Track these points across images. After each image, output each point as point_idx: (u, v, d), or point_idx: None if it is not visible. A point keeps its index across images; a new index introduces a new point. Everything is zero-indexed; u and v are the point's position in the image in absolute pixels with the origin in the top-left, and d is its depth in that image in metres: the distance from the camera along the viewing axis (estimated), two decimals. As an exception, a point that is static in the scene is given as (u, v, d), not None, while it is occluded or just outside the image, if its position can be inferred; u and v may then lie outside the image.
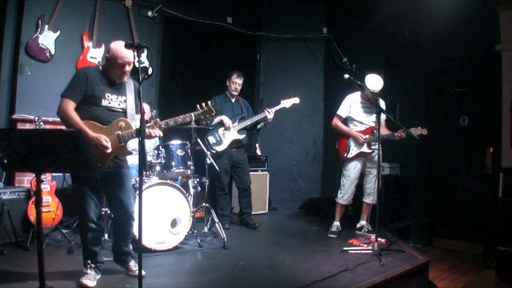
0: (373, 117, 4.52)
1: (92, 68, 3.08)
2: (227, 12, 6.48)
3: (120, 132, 2.89)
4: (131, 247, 3.26)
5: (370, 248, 3.91)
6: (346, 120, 4.70)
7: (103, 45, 4.93)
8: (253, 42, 6.92)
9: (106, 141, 2.78)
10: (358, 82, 4.16)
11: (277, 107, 4.91)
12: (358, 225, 4.77)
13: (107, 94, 2.93)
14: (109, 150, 2.80)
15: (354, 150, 4.56)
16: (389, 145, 5.18)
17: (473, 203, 5.29)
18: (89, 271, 2.90)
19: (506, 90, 4.72)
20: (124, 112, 3.00)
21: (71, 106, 2.80)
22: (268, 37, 6.92)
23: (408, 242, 5.22)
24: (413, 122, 4.52)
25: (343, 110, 4.66)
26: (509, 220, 4.21)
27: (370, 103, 4.42)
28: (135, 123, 2.98)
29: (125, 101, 3.02)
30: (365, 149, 4.52)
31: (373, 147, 4.50)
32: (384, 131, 4.49)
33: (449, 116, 5.63)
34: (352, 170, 4.59)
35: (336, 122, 4.70)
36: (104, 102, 2.92)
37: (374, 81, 4.38)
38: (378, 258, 3.65)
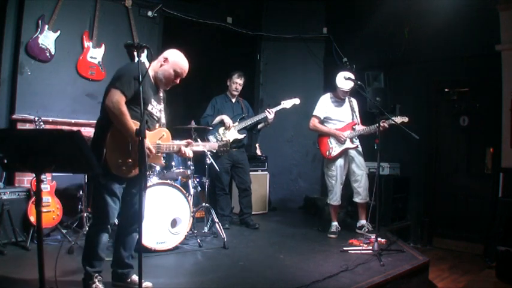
0: (349, 113, 4.65)
1: (145, 67, 2.75)
2: (227, 12, 6.48)
3: (160, 142, 2.86)
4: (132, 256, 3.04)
5: (370, 248, 3.91)
6: (322, 121, 4.71)
7: (103, 45, 4.93)
8: (253, 42, 6.92)
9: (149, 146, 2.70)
10: (359, 82, 4.19)
11: (278, 108, 4.91)
12: (358, 225, 4.76)
13: (152, 99, 2.87)
14: (150, 156, 2.72)
15: (337, 148, 4.56)
16: (389, 145, 5.18)
17: (473, 203, 5.29)
18: (97, 283, 2.69)
19: (506, 90, 4.72)
20: (158, 121, 2.95)
21: (123, 100, 2.62)
22: (268, 37, 6.91)
23: (408, 242, 5.22)
24: (413, 121, 4.52)
25: (320, 111, 4.68)
26: (509, 220, 4.21)
27: (342, 100, 4.63)
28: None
29: (160, 111, 2.97)
30: (349, 144, 4.54)
31: (356, 143, 4.59)
32: (361, 128, 4.58)
33: (449, 116, 5.64)
34: (338, 169, 4.58)
35: (314, 123, 4.70)
36: (149, 107, 2.84)
37: (344, 79, 4.46)
38: (378, 258, 3.66)
